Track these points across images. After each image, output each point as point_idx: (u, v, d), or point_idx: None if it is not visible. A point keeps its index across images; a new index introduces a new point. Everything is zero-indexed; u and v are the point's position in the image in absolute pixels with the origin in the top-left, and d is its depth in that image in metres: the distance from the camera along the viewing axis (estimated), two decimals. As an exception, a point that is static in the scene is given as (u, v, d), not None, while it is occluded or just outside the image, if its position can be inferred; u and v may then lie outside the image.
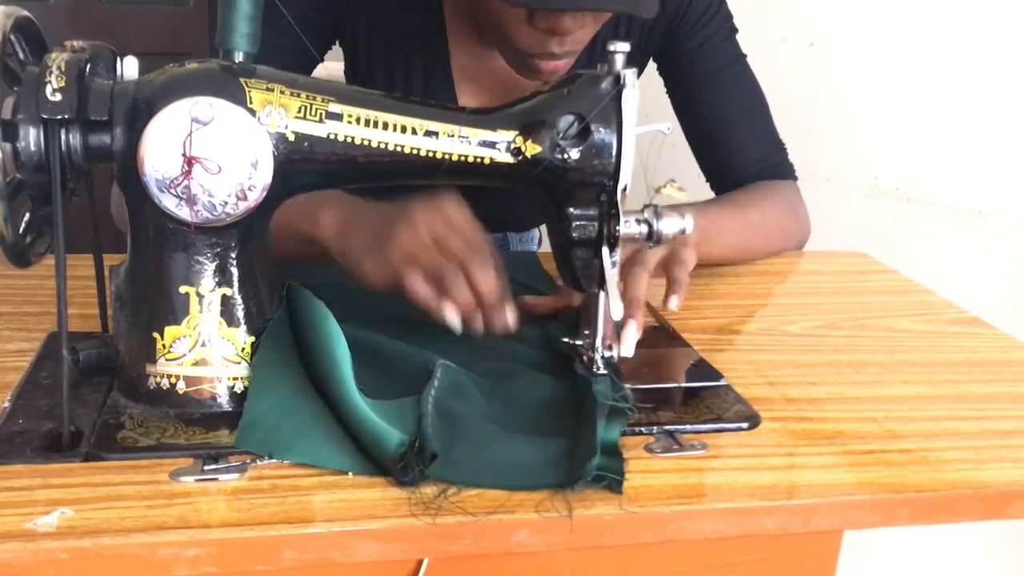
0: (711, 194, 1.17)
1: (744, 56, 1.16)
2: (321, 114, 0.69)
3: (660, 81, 1.18)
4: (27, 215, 0.69)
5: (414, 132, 0.72)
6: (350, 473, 0.65)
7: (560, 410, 0.73)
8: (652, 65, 1.17)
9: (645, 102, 0.79)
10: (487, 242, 0.82)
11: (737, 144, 1.15)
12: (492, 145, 0.73)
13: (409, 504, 0.62)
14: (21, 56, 0.68)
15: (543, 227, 1.45)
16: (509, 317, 0.80)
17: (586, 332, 0.79)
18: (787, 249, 1.17)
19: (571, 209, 0.74)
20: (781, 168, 1.18)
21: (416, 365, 0.75)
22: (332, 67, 1.22)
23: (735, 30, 1.15)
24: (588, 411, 0.70)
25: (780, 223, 1.14)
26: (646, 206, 0.75)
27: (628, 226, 0.73)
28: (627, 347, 0.78)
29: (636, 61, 1.11)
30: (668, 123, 0.75)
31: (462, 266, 0.79)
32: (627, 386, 0.75)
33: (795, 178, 1.19)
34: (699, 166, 1.19)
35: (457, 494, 0.63)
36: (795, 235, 1.17)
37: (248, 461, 0.66)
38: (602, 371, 0.76)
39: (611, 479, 0.64)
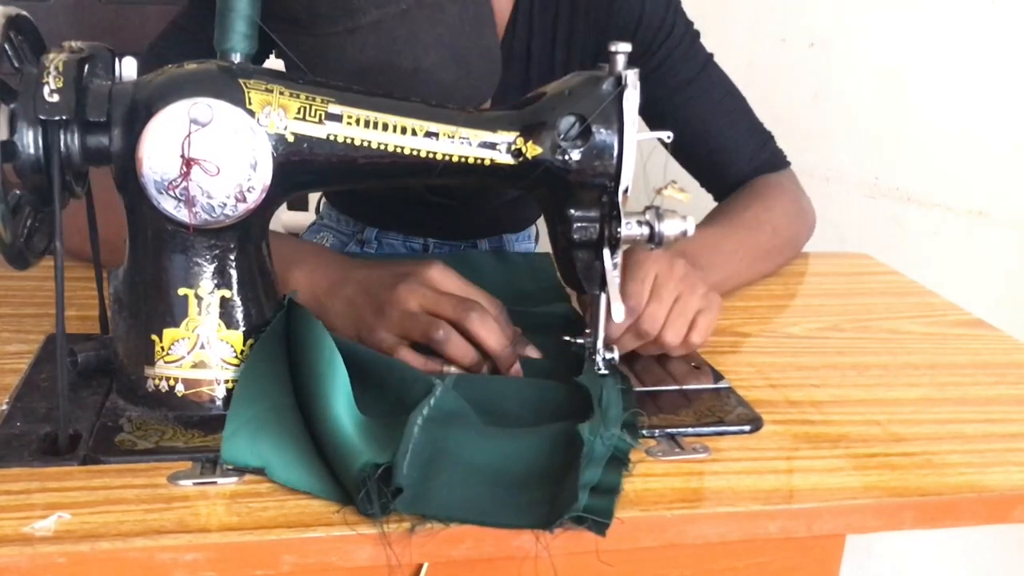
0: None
1: (711, 56, 1.12)
2: (320, 115, 0.69)
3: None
4: (25, 217, 0.69)
5: (414, 133, 0.71)
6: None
7: (556, 448, 0.67)
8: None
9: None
10: (480, 295, 0.82)
11: (726, 149, 1.12)
12: (492, 146, 0.73)
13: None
14: (19, 57, 0.68)
15: (540, 223, 1.43)
16: (525, 354, 0.82)
17: (588, 333, 0.78)
18: (798, 254, 1.15)
19: (572, 210, 0.74)
20: (774, 159, 1.15)
21: (417, 385, 0.72)
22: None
23: (697, 34, 1.11)
24: (576, 452, 0.65)
25: (790, 232, 1.10)
26: (647, 208, 0.74)
27: (629, 227, 0.73)
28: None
29: None
30: (669, 131, 0.75)
31: (459, 325, 0.78)
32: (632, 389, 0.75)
33: (788, 164, 1.16)
34: (692, 176, 1.16)
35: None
36: (803, 236, 1.15)
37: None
38: (603, 372, 0.76)
39: (592, 521, 0.61)
